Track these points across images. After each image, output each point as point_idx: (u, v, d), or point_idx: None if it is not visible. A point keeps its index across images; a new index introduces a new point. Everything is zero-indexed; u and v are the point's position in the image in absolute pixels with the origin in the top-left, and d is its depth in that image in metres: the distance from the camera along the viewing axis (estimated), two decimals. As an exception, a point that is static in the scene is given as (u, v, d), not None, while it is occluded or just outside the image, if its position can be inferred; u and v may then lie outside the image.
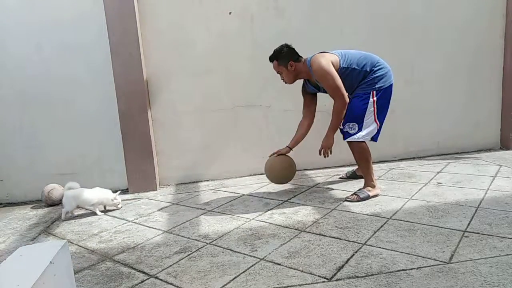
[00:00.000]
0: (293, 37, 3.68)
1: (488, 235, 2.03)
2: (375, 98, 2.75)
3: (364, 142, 2.82)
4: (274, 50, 2.87)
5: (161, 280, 1.85)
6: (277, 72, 2.92)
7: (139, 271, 1.97)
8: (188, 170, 3.75)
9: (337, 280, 1.70)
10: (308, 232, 2.27)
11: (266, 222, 2.49)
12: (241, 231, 2.37)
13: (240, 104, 3.71)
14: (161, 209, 2.99)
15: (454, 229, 2.13)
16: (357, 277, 1.71)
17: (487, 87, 4.07)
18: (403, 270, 1.74)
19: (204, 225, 2.54)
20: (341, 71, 2.73)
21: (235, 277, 1.80)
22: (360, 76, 2.76)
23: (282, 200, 2.92)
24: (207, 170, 3.79)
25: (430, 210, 2.45)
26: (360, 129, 2.77)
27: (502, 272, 1.65)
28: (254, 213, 2.69)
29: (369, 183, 2.85)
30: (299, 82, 3.04)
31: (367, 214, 2.47)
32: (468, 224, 2.19)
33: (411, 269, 1.74)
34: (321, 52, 2.80)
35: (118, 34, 3.35)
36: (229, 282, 1.76)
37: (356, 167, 3.31)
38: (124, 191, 3.61)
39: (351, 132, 2.78)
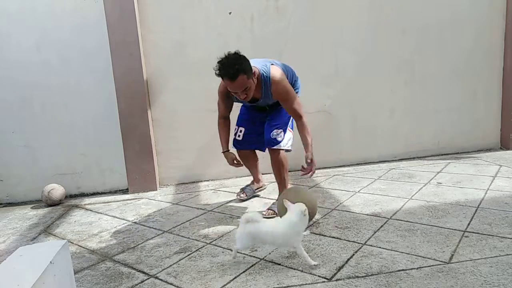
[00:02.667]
0: (293, 37, 3.71)
1: (488, 235, 2.03)
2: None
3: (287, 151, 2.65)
4: (235, 64, 2.23)
5: (161, 280, 1.85)
6: (242, 91, 2.31)
7: (139, 271, 1.97)
8: (188, 170, 3.75)
9: (337, 280, 1.70)
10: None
11: (266, 222, 2.49)
12: (241, 231, 2.37)
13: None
14: (161, 209, 2.99)
15: (454, 229, 2.13)
16: (357, 277, 1.71)
17: (487, 87, 4.08)
18: (403, 270, 1.74)
19: (204, 225, 2.54)
20: None
21: (235, 277, 1.80)
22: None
23: (282, 200, 2.92)
24: (207, 170, 3.79)
25: (430, 210, 2.45)
26: (283, 139, 2.61)
27: (502, 272, 1.65)
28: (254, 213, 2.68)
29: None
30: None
31: (367, 214, 2.47)
32: (468, 224, 2.19)
33: (411, 269, 1.74)
34: (271, 65, 2.50)
35: (119, 35, 3.35)
36: (229, 282, 1.76)
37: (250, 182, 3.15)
38: (124, 191, 3.61)
39: (279, 139, 2.60)
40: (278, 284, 1.72)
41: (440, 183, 3.04)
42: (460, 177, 3.14)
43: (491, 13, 3.95)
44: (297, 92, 2.65)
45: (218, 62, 2.29)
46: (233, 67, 2.22)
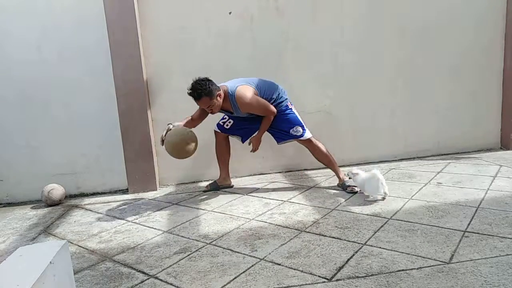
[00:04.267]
0: (293, 37, 3.70)
1: (488, 235, 2.03)
2: (292, 106, 3.15)
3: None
4: (198, 88, 2.81)
5: (161, 280, 1.85)
6: (207, 108, 2.91)
7: (139, 271, 1.97)
8: (188, 170, 3.75)
9: (337, 280, 1.70)
10: (308, 232, 2.27)
11: (266, 222, 2.49)
12: (241, 231, 2.37)
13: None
14: (161, 209, 2.99)
15: (454, 229, 2.13)
16: (357, 277, 1.71)
17: (487, 87, 4.07)
18: (403, 270, 1.73)
19: (204, 225, 2.54)
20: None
21: (235, 277, 1.80)
22: (276, 97, 3.07)
23: (282, 200, 2.92)
24: (207, 170, 3.78)
25: (430, 210, 2.45)
26: (304, 131, 3.09)
27: (502, 272, 1.65)
28: (254, 213, 2.69)
29: (340, 175, 3.13)
30: None
31: (367, 214, 2.47)
32: (468, 224, 2.19)
33: (411, 269, 1.74)
34: (240, 85, 2.96)
35: (118, 34, 3.35)
36: (229, 282, 1.76)
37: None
38: (124, 191, 3.61)
39: (299, 134, 3.08)
40: (278, 284, 1.71)
41: (440, 183, 3.03)
42: (460, 177, 3.14)
43: (491, 13, 3.95)
44: (281, 102, 3.08)
45: (190, 86, 2.86)
46: (197, 90, 2.81)
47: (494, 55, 4.03)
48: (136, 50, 3.40)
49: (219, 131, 3.29)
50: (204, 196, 3.24)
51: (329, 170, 3.72)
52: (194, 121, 3.13)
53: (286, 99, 3.13)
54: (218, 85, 2.94)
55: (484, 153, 3.98)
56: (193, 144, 2.97)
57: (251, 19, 3.63)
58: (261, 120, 3.06)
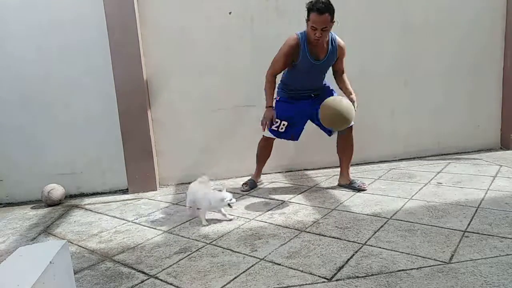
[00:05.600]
0: (293, 37, 3.70)
1: (488, 235, 2.03)
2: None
3: None
4: (327, 2, 2.64)
5: (161, 280, 1.85)
6: (322, 29, 2.66)
7: (139, 271, 1.97)
8: (188, 170, 3.75)
9: (337, 280, 1.70)
10: (308, 232, 2.27)
11: (266, 222, 2.49)
12: (241, 231, 2.37)
13: (240, 104, 3.71)
14: (161, 209, 2.99)
15: (454, 229, 2.13)
16: (357, 277, 1.71)
17: (487, 87, 4.08)
18: (403, 270, 1.73)
19: (204, 225, 2.53)
20: None
21: (235, 277, 1.80)
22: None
23: (282, 200, 2.92)
24: (207, 170, 3.77)
25: (430, 210, 2.45)
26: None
27: (502, 272, 1.65)
28: (254, 213, 2.69)
29: (350, 175, 3.14)
30: None
31: (367, 214, 2.47)
32: (468, 224, 2.19)
33: (411, 269, 1.74)
34: None
35: (118, 34, 3.35)
36: (229, 282, 1.76)
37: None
38: (124, 191, 3.61)
39: None
40: (278, 284, 1.72)
41: (440, 183, 3.03)
42: (460, 177, 3.14)
43: (491, 13, 3.95)
44: None
45: (311, 0, 2.68)
46: (325, 3, 2.63)
47: (494, 55, 4.03)
48: (136, 50, 3.40)
49: (273, 137, 3.12)
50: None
51: (329, 170, 3.72)
52: (275, 79, 2.99)
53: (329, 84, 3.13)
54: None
55: (484, 153, 3.98)
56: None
57: (251, 19, 3.63)
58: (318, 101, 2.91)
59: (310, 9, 2.68)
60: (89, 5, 3.38)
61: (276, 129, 3.04)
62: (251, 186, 3.29)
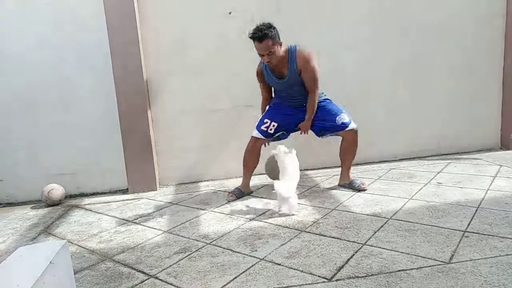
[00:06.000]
0: (293, 37, 3.69)
1: (488, 235, 2.03)
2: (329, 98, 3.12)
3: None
4: (263, 29, 2.66)
5: (161, 280, 1.85)
6: (268, 53, 2.72)
7: (139, 271, 1.97)
8: (188, 170, 3.75)
9: (337, 280, 1.70)
10: (308, 232, 2.27)
11: (266, 222, 2.49)
12: (241, 231, 2.37)
13: (240, 104, 3.71)
14: (161, 209, 2.99)
15: (454, 229, 2.13)
16: (357, 277, 1.71)
17: (487, 87, 4.07)
18: (403, 270, 1.73)
19: (204, 225, 2.54)
20: None
21: (235, 277, 1.80)
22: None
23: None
24: (207, 170, 3.79)
25: (430, 210, 2.45)
26: (349, 118, 3.01)
27: (502, 272, 1.65)
28: (254, 213, 2.69)
29: (351, 174, 3.12)
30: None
31: (367, 214, 2.47)
32: (468, 224, 2.19)
33: (411, 269, 1.74)
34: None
35: (119, 35, 3.35)
36: (229, 282, 1.76)
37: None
38: (124, 191, 3.61)
39: (346, 121, 2.97)
40: (278, 284, 1.71)
41: (440, 183, 3.03)
42: (460, 177, 3.14)
43: (491, 13, 3.94)
44: (321, 93, 3.05)
45: (253, 28, 2.70)
46: (261, 31, 2.66)
47: (494, 55, 4.03)
48: (136, 50, 3.40)
49: (262, 137, 3.05)
50: (204, 196, 3.24)
51: (329, 170, 3.72)
52: (267, 100, 3.13)
53: (323, 93, 3.08)
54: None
55: (484, 153, 3.98)
56: None
57: (251, 19, 3.62)
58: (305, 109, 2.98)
59: (250, 38, 2.71)
60: (89, 5, 3.38)
61: (265, 129, 3.03)
62: (238, 195, 3.08)
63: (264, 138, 3.06)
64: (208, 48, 3.61)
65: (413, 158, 3.98)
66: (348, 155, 3.10)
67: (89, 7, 3.39)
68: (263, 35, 2.66)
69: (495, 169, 3.33)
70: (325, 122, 3.00)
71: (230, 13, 3.59)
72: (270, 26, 2.71)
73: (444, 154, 4.05)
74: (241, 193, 3.11)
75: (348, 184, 3.09)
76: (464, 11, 3.89)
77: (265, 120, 3.04)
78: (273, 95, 3.15)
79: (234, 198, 3.05)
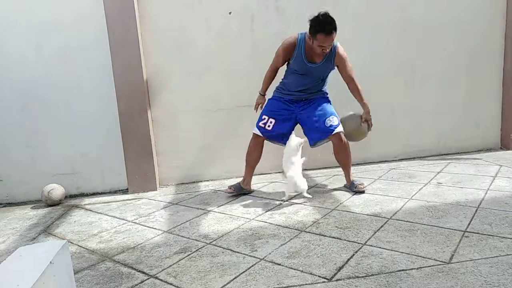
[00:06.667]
0: (293, 37, 3.70)
1: (488, 235, 2.03)
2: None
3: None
4: (332, 22, 2.70)
5: (161, 280, 1.85)
6: (328, 45, 2.77)
7: (139, 271, 1.97)
8: (188, 170, 3.75)
9: (337, 280, 1.70)
10: (308, 232, 2.27)
11: (266, 222, 2.49)
12: (241, 231, 2.37)
13: (240, 104, 3.71)
14: (161, 209, 2.99)
15: (454, 229, 2.13)
16: (357, 277, 1.71)
17: (487, 87, 4.07)
18: (403, 270, 1.73)
19: (204, 225, 2.54)
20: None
21: (235, 277, 1.80)
22: (326, 80, 3.11)
23: (282, 200, 2.92)
24: (207, 170, 3.78)
25: (430, 210, 2.45)
26: (339, 121, 3.03)
27: (503, 272, 1.65)
28: (254, 213, 2.69)
29: (351, 176, 3.12)
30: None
31: (367, 214, 2.47)
32: (468, 224, 2.19)
33: (411, 269, 1.74)
34: None
35: (118, 34, 3.35)
36: (229, 282, 1.76)
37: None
38: (124, 191, 3.61)
39: (335, 124, 2.99)
40: (278, 284, 1.71)
41: (440, 183, 3.03)
42: (460, 177, 3.14)
43: (491, 13, 3.94)
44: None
45: (317, 20, 2.71)
46: (332, 24, 2.69)
47: (494, 55, 4.03)
48: (136, 50, 3.40)
49: (260, 134, 3.07)
50: (204, 196, 3.24)
51: (329, 170, 3.72)
52: (275, 72, 3.10)
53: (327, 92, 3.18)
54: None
55: (484, 153, 3.98)
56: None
57: (251, 19, 3.63)
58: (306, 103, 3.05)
59: (317, 30, 2.70)
60: (89, 5, 3.38)
61: (263, 125, 3.05)
62: (238, 191, 3.11)
63: (261, 135, 3.06)
64: (208, 48, 3.61)
65: (413, 158, 3.98)
66: (342, 159, 3.09)
67: (89, 7, 3.38)
68: (333, 28, 2.69)
69: (495, 169, 3.33)
70: (316, 123, 2.99)
71: (230, 13, 3.59)
72: (333, 19, 2.72)
73: (444, 154, 4.05)
74: (240, 188, 3.14)
75: (349, 186, 3.09)
76: (464, 11, 3.89)
77: (263, 117, 3.07)
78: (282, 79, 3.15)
79: (232, 192, 3.10)
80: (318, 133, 3.00)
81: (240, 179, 3.24)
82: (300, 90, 3.03)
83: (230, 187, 3.13)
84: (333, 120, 2.97)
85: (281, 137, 3.09)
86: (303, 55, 2.88)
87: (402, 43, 3.85)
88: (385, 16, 3.79)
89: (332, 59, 2.91)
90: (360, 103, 3.04)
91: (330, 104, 3.10)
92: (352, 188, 3.02)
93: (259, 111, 3.15)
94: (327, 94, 3.14)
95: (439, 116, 4.02)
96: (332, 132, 2.95)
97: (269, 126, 3.05)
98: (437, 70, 3.94)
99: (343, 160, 3.09)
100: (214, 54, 3.63)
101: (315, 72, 2.95)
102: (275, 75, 3.11)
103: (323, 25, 2.68)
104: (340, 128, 2.98)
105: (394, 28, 3.82)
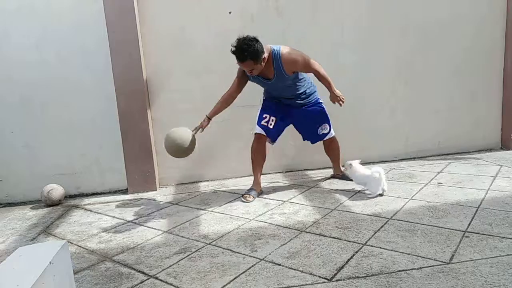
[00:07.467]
0: (293, 37, 3.70)
1: (489, 235, 2.02)
2: (322, 101, 3.17)
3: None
4: (244, 49, 2.63)
5: (160, 280, 1.85)
6: (248, 70, 2.77)
7: (139, 271, 1.96)
8: (188, 170, 3.75)
9: (337, 280, 1.70)
10: (308, 232, 2.27)
11: (266, 222, 2.49)
12: (241, 231, 2.36)
13: (240, 104, 3.70)
14: (161, 209, 2.99)
15: (455, 229, 2.13)
16: (358, 277, 1.71)
17: (487, 87, 4.07)
18: (403, 270, 1.73)
19: (204, 225, 2.53)
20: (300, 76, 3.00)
21: (235, 278, 1.80)
22: (308, 84, 3.08)
23: (282, 200, 2.92)
24: (207, 170, 3.78)
25: (430, 210, 2.45)
26: (330, 127, 3.19)
27: (503, 272, 1.65)
28: (254, 213, 2.69)
29: (339, 166, 3.34)
30: None
31: (368, 214, 2.47)
32: (469, 224, 2.19)
33: (412, 269, 1.73)
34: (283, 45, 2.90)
35: (118, 34, 3.35)
36: (229, 283, 1.76)
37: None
38: (124, 191, 3.61)
39: (326, 132, 3.18)
40: (278, 284, 1.71)
41: (441, 183, 3.03)
42: (461, 177, 3.14)
43: (491, 12, 3.94)
44: (314, 92, 3.15)
45: (233, 46, 2.69)
46: (243, 52, 2.64)
47: (495, 55, 4.03)
48: (136, 50, 3.40)
49: (263, 133, 3.05)
50: (204, 196, 3.24)
51: (329, 170, 3.72)
52: (233, 95, 3.02)
53: (316, 91, 3.15)
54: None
55: (484, 153, 3.98)
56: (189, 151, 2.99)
57: (251, 19, 3.63)
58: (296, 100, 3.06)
59: (233, 53, 2.70)
60: (89, 5, 3.38)
61: (266, 124, 3.05)
62: (255, 196, 3.04)
63: (265, 134, 3.07)
64: (208, 47, 3.61)
65: (413, 158, 3.98)
66: (331, 153, 3.33)
67: (88, 7, 3.38)
68: (243, 57, 2.65)
69: (496, 169, 3.32)
70: (307, 132, 3.21)
71: (230, 12, 3.59)
72: (253, 45, 2.64)
73: (444, 154, 4.05)
74: (257, 193, 3.09)
75: (341, 176, 3.27)
76: (464, 11, 3.89)
77: (264, 115, 3.08)
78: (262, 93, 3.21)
79: (252, 200, 2.99)
80: (311, 138, 3.24)
81: (239, 179, 3.24)
82: (278, 97, 3.09)
83: (249, 196, 3.01)
84: (325, 128, 3.17)
85: (277, 136, 3.16)
86: (256, 75, 2.89)
87: (402, 43, 3.85)
88: (385, 16, 3.79)
89: (282, 69, 2.81)
90: (328, 88, 3.03)
91: (324, 110, 3.16)
92: (347, 177, 3.17)
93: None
94: (319, 101, 3.16)
95: (439, 116, 4.02)
96: (323, 139, 3.22)
97: (271, 124, 3.06)
98: (437, 70, 3.94)
99: (334, 153, 3.34)
100: (214, 54, 3.63)
101: (276, 85, 2.94)
102: (237, 93, 3.04)
103: (236, 53, 2.68)
104: (330, 135, 3.20)
105: (394, 28, 3.82)
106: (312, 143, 3.28)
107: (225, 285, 1.74)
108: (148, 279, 1.87)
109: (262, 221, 2.51)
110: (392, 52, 3.86)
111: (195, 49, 3.60)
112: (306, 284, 1.69)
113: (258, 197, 3.06)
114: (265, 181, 3.54)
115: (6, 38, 3.38)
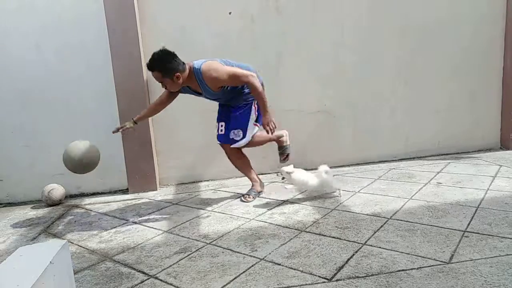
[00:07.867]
0: (293, 37, 3.70)
1: (488, 235, 2.03)
2: (256, 106, 2.90)
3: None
4: (156, 59, 2.58)
5: (161, 280, 1.85)
6: (160, 82, 2.70)
7: (139, 271, 1.97)
8: (188, 170, 3.75)
9: (337, 280, 1.70)
10: (308, 232, 2.27)
11: (266, 222, 2.49)
12: (241, 231, 2.37)
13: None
14: (161, 209, 2.99)
15: (454, 229, 2.13)
16: (357, 277, 1.71)
17: (486, 87, 4.08)
18: (403, 270, 1.73)
19: (204, 225, 2.54)
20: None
21: (235, 278, 1.80)
22: (239, 87, 2.83)
23: (282, 200, 2.92)
24: (207, 170, 3.78)
25: (430, 210, 2.45)
26: (244, 136, 2.88)
27: (502, 272, 1.65)
28: (254, 213, 2.69)
29: (253, 181, 3.08)
30: None
31: (367, 214, 2.47)
32: (468, 224, 2.19)
33: (411, 269, 1.74)
34: (207, 61, 2.74)
35: (118, 34, 3.35)
36: (229, 283, 1.76)
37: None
38: (124, 191, 3.61)
39: (237, 139, 2.88)
40: (278, 284, 1.71)
41: (440, 183, 3.03)
42: (460, 177, 3.14)
43: (491, 13, 3.95)
44: (249, 96, 2.87)
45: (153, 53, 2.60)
46: (152, 62, 2.59)
47: (494, 55, 4.03)
48: (136, 49, 3.40)
49: (220, 142, 3.00)
50: (204, 196, 3.24)
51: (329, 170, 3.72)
52: (162, 105, 2.94)
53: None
54: (186, 62, 2.71)
55: (484, 153, 3.98)
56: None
57: (251, 19, 3.63)
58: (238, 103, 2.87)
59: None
60: (89, 5, 3.38)
61: (218, 132, 2.97)
62: (256, 196, 3.05)
63: (222, 142, 2.96)
64: (208, 47, 3.61)
65: (413, 158, 3.99)
66: (237, 166, 3.07)
67: (88, 6, 3.38)
68: (150, 66, 2.60)
69: (495, 169, 3.33)
70: (226, 129, 2.91)
71: (230, 13, 3.59)
72: (165, 58, 2.58)
73: (444, 154, 4.05)
74: (257, 193, 3.08)
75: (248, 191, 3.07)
76: (464, 11, 3.90)
77: (215, 124, 3.00)
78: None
79: (252, 200, 2.99)
80: (223, 137, 2.93)
81: (239, 179, 3.24)
82: (227, 104, 2.94)
83: (249, 196, 3.01)
84: (238, 135, 2.88)
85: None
86: (186, 88, 2.83)
87: (402, 43, 3.85)
88: (385, 16, 3.79)
89: (205, 86, 2.71)
90: (260, 110, 2.80)
91: (247, 113, 2.88)
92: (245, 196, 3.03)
93: None
94: (246, 103, 2.90)
95: (439, 116, 4.03)
96: (231, 144, 2.91)
97: (221, 130, 2.94)
98: (437, 70, 3.95)
99: (238, 167, 3.08)
100: (214, 54, 3.62)
101: (208, 97, 2.87)
102: (165, 103, 2.96)
103: (149, 60, 2.61)
104: (239, 144, 2.89)
105: (394, 29, 3.82)
106: (223, 143, 2.97)
107: (225, 285, 1.74)
108: (148, 279, 1.88)
109: (262, 221, 2.51)
110: (392, 52, 3.86)
111: (195, 49, 3.59)
112: (306, 284, 1.70)
113: (258, 197, 3.07)
114: (265, 181, 3.53)
115: (6, 37, 3.39)
